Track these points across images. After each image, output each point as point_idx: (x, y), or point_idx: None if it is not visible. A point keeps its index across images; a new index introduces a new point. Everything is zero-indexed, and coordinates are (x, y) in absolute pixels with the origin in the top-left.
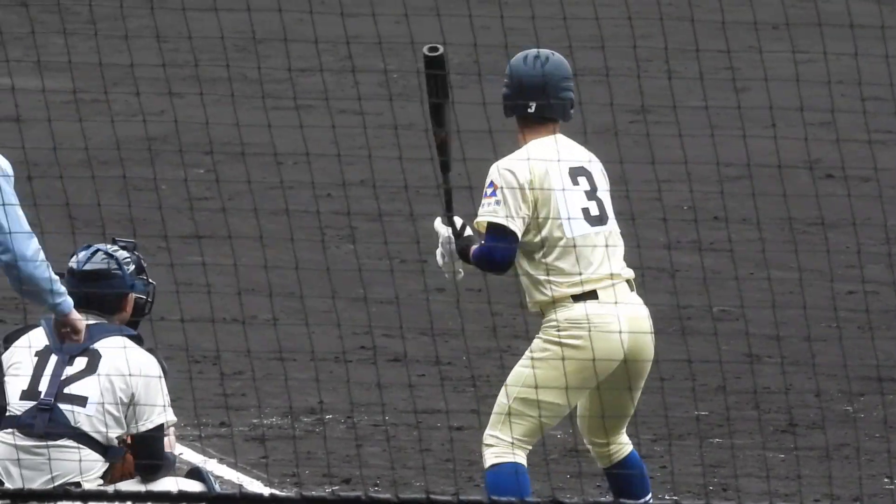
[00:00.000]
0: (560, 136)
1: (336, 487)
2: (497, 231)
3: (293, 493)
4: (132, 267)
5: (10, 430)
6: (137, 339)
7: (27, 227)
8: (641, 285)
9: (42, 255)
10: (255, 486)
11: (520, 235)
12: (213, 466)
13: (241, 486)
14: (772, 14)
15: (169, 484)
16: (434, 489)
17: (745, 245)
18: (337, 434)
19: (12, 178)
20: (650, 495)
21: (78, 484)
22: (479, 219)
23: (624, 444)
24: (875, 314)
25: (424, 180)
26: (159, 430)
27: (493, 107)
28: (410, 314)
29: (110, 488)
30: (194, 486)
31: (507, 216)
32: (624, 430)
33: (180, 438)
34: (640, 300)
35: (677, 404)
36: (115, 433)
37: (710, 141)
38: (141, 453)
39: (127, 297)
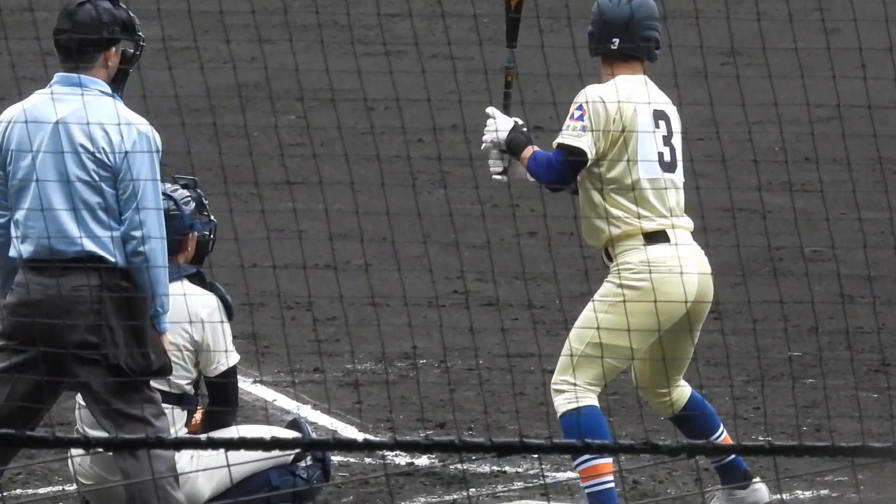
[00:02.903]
0: (644, 77)
1: (430, 432)
2: (573, 154)
3: (387, 439)
4: (192, 206)
5: None
6: (199, 277)
7: (161, 206)
8: (733, 227)
9: (166, 248)
10: (349, 431)
11: (590, 159)
12: (307, 412)
13: (335, 431)
14: None
15: (264, 431)
16: (528, 433)
17: (836, 186)
18: (431, 379)
19: (160, 154)
20: (722, 429)
21: None
22: (560, 140)
23: (684, 389)
24: None
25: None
26: (231, 374)
27: (582, 51)
28: (503, 259)
29: (203, 436)
30: (288, 435)
31: (587, 143)
32: (682, 374)
33: (274, 385)
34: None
35: (770, 346)
36: (184, 381)
37: (801, 83)
38: (214, 399)
39: (188, 237)
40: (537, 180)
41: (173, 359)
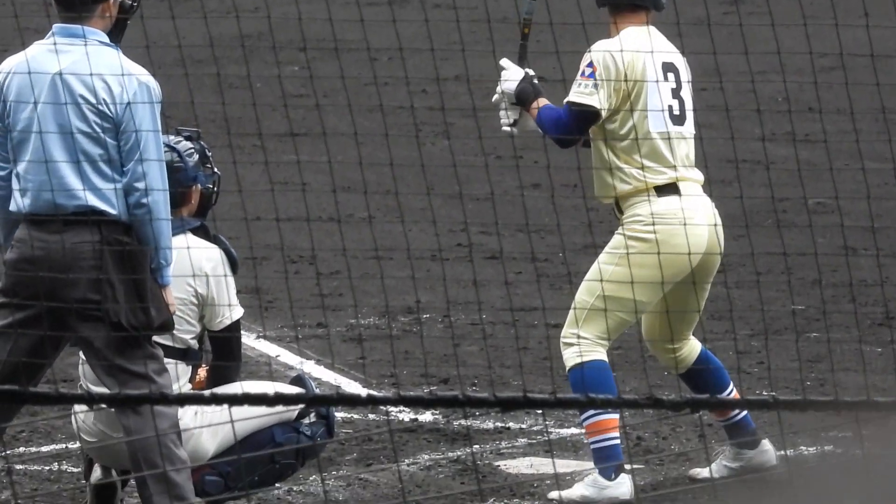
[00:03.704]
0: (652, 28)
1: (434, 387)
2: (585, 110)
3: (391, 394)
4: (195, 157)
5: None
6: (203, 230)
7: (163, 157)
8: (736, 178)
9: (168, 200)
10: (352, 387)
11: (603, 115)
12: (310, 368)
13: (338, 387)
14: None
15: (267, 387)
16: (532, 388)
17: (839, 136)
18: (434, 333)
19: (160, 104)
20: (732, 387)
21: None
22: (572, 97)
23: (694, 344)
24: None
25: None
26: (235, 329)
27: (585, 0)
28: (506, 211)
29: (207, 392)
30: (291, 391)
31: (598, 99)
32: (692, 329)
33: (277, 340)
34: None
35: (774, 298)
36: (188, 336)
37: (804, 31)
38: (217, 354)
39: (192, 189)
40: (546, 134)
41: (177, 313)
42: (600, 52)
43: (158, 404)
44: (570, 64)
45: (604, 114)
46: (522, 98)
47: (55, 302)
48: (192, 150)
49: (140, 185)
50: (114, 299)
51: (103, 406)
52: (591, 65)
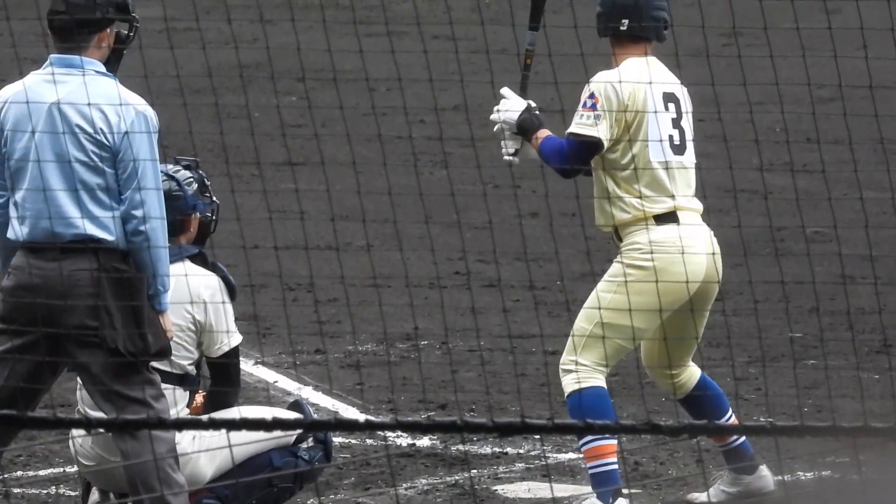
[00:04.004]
0: (652, 58)
1: (432, 413)
2: (587, 141)
3: (389, 420)
4: (194, 186)
5: None
6: (201, 258)
7: (161, 186)
8: (734, 207)
9: (166, 227)
10: (350, 412)
11: (606, 144)
12: (308, 393)
13: (336, 412)
14: None
15: (265, 413)
16: (529, 413)
17: (837, 166)
18: (432, 360)
19: (157, 133)
20: (731, 412)
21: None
22: (573, 129)
23: (693, 370)
24: None
25: None
26: (233, 355)
27: (585, 30)
28: (504, 239)
29: (204, 417)
30: (289, 417)
31: (601, 131)
32: (691, 356)
33: (276, 366)
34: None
35: (772, 326)
36: (186, 362)
37: (802, 62)
38: (216, 379)
39: (191, 217)
40: (548, 165)
41: (175, 339)
42: (601, 83)
43: (156, 429)
44: (569, 94)
45: (606, 144)
46: (525, 128)
47: (53, 328)
48: (191, 179)
49: (138, 213)
50: (111, 326)
51: (101, 431)
52: (592, 96)
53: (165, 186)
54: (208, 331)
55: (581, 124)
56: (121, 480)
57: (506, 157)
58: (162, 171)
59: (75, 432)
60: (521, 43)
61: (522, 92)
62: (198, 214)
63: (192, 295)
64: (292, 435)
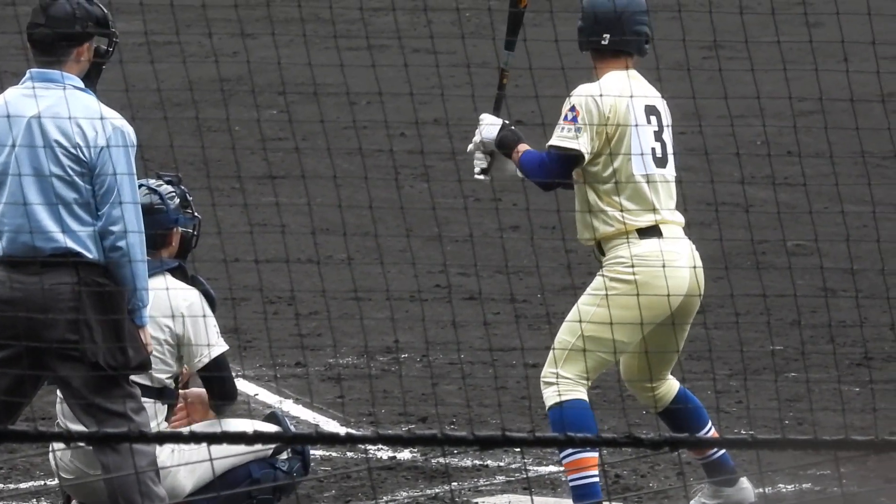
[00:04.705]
0: (633, 72)
1: (412, 426)
2: (568, 154)
3: (369, 432)
4: (176, 201)
5: None
6: (181, 271)
7: (139, 200)
8: (716, 221)
9: (144, 241)
10: (331, 425)
11: (587, 157)
12: (289, 407)
13: (317, 425)
14: None
15: (243, 426)
16: (510, 426)
17: (818, 179)
18: (413, 373)
19: (135, 148)
20: (710, 425)
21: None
22: (554, 141)
23: (672, 383)
24: None
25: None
26: (218, 364)
27: (565, 44)
28: (485, 252)
29: (185, 429)
30: (270, 430)
31: (582, 144)
32: (671, 369)
33: (256, 379)
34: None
35: (753, 339)
36: (165, 375)
37: (783, 76)
38: (208, 391)
39: (172, 231)
40: (529, 178)
41: (154, 353)
42: (582, 96)
43: (137, 442)
44: (549, 108)
45: (587, 157)
46: (504, 144)
47: (34, 342)
48: (174, 194)
49: (115, 228)
50: (91, 340)
51: (81, 444)
52: (573, 109)
53: (147, 200)
54: (187, 344)
55: (562, 137)
56: (101, 494)
57: (477, 176)
58: (144, 186)
59: (56, 445)
60: (500, 61)
61: (496, 111)
62: (179, 229)
63: (172, 308)
64: (271, 447)
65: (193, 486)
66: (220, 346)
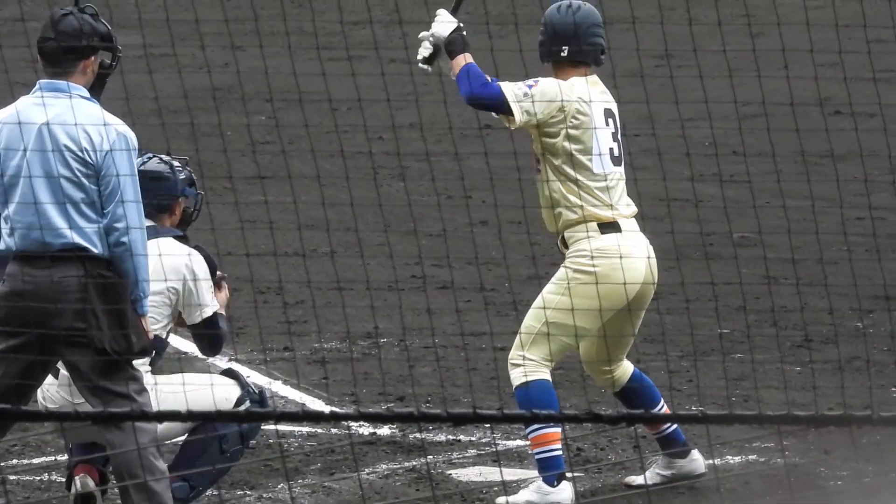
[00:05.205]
0: (593, 77)
1: (391, 404)
2: (501, 102)
3: (352, 410)
4: (183, 175)
5: None
6: (184, 240)
7: (140, 199)
8: (668, 215)
9: (145, 237)
10: (316, 404)
11: (515, 122)
12: (277, 387)
13: (303, 404)
14: None
15: (203, 380)
16: (480, 405)
17: (762, 177)
18: (391, 356)
19: (136, 151)
20: (663, 402)
21: None
22: (506, 86)
23: (627, 366)
24: (882, 238)
25: (468, 123)
26: (210, 322)
27: (529, 54)
28: (457, 245)
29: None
30: (227, 383)
31: (519, 110)
32: (626, 353)
33: (248, 363)
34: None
35: (702, 324)
36: (157, 326)
37: (729, 82)
38: (199, 342)
39: (177, 200)
40: (458, 84)
41: (151, 303)
42: (551, 80)
43: (139, 421)
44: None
45: (512, 124)
46: (452, 47)
47: (44, 330)
48: (181, 168)
49: (119, 225)
50: (97, 327)
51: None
52: (536, 81)
53: (158, 168)
54: (186, 303)
55: (514, 90)
56: (86, 432)
57: (420, 65)
58: (156, 157)
59: (48, 381)
60: None
61: (454, 12)
62: (183, 200)
63: (174, 266)
64: (231, 400)
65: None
66: (213, 307)
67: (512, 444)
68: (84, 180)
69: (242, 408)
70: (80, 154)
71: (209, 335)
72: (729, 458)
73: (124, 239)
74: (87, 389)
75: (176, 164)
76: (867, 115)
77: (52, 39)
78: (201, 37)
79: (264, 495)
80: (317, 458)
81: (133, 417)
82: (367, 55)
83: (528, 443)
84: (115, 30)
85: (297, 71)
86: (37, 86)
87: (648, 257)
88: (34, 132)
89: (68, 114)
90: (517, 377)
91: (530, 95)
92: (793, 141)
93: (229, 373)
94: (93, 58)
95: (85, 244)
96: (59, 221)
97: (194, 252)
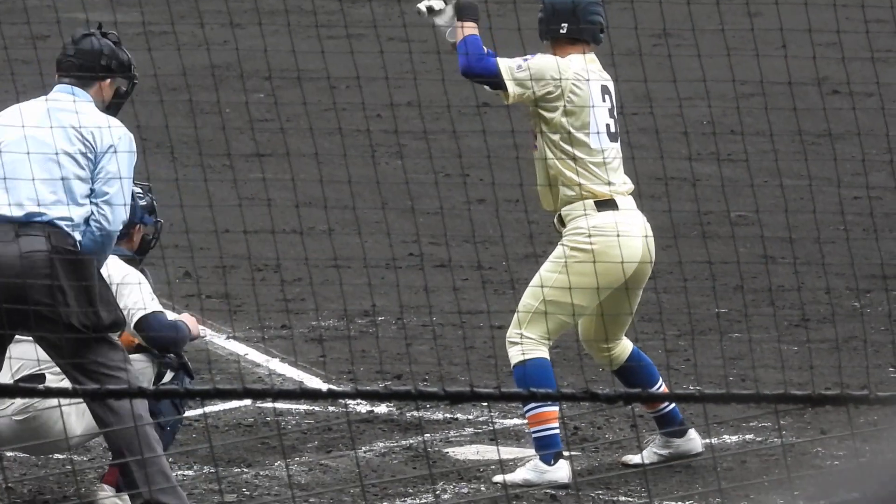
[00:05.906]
0: (590, 55)
1: (388, 382)
2: (495, 75)
3: (349, 388)
4: (144, 203)
5: None
6: (133, 262)
7: (129, 202)
8: (665, 194)
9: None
10: (314, 382)
11: (508, 98)
12: (275, 365)
13: (301, 382)
14: None
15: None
16: (478, 383)
17: (759, 156)
18: (389, 334)
19: (135, 156)
20: (661, 381)
21: (42, 377)
22: (502, 61)
23: (626, 344)
24: (879, 217)
25: (466, 101)
26: (148, 322)
27: (528, 32)
28: (454, 223)
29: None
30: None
31: (513, 85)
32: (625, 331)
33: (246, 341)
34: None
35: (700, 303)
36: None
37: (727, 61)
38: (146, 341)
39: (135, 227)
40: (458, 52)
41: None
42: (548, 57)
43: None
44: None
45: (506, 98)
46: (462, 12)
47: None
48: (142, 196)
49: (101, 220)
50: (65, 304)
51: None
52: (532, 55)
53: None
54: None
55: (508, 65)
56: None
57: (420, 8)
58: None
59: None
60: None
61: None
62: (142, 227)
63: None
64: (152, 375)
65: (84, 431)
66: (149, 309)
67: (509, 422)
68: (82, 161)
69: (167, 379)
70: (84, 137)
71: (150, 337)
72: (726, 437)
73: (99, 235)
74: (66, 365)
75: (137, 190)
76: (865, 95)
77: (71, 57)
78: (200, 14)
79: (261, 473)
80: (314, 436)
81: (131, 395)
82: (365, 33)
83: (525, 421)
84: (114, 6)
85: (296, 49)
86: (52, 89)
87: (646, 236)
88: (38, 111)
89: (72, 106)
90: (515, 355)
91: (525, 68)
92: (790, 120)
93: (139, 349)
94: (108, 81)
95: (62, 224)
96: (47, 196)
97: (136, 271)
